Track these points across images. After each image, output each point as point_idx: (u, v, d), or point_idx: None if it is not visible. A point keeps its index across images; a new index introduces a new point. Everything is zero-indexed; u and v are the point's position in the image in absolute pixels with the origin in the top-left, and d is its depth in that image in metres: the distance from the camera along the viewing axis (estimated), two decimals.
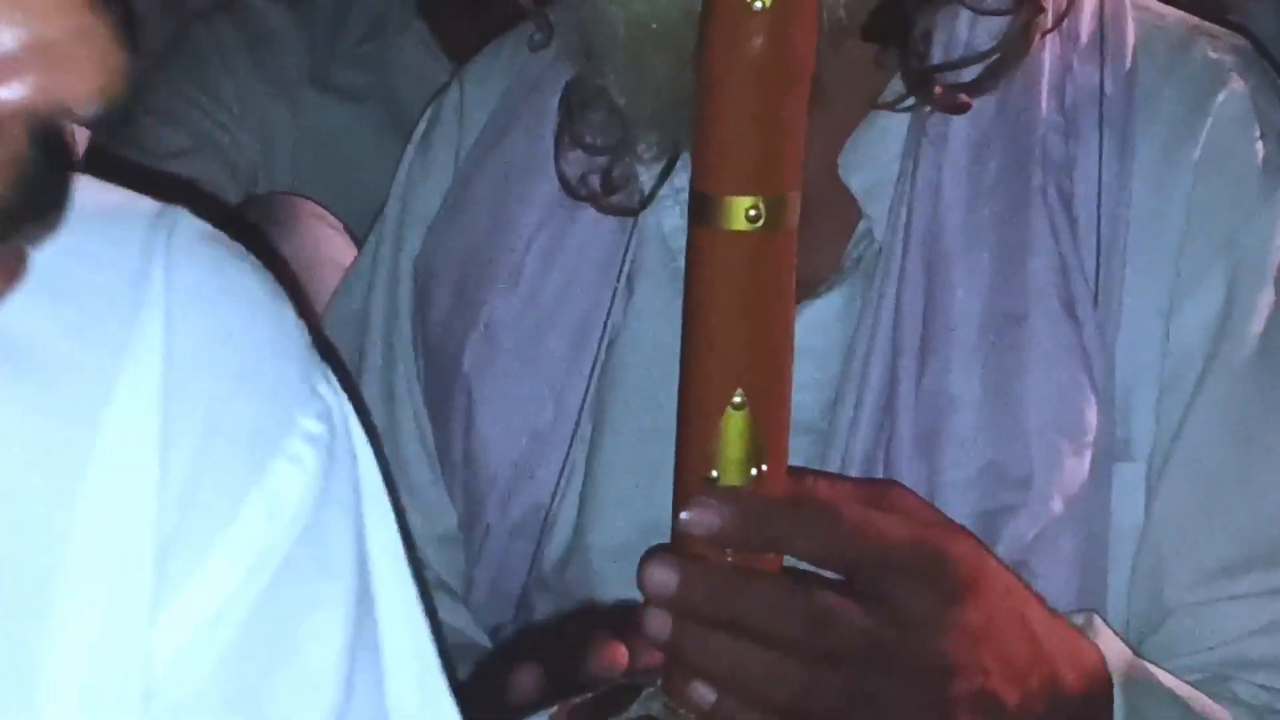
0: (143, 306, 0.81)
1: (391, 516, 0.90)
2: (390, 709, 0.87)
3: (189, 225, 0.85)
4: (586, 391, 1.44)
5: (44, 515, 0.79)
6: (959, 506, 1.28)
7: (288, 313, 0.87)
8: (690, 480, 1.12)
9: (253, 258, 0.88)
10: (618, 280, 1.44)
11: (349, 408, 0.88)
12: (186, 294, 0.83)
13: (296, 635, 0.83)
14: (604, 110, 1.40)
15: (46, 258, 0.73)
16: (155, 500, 0.79)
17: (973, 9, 1.38)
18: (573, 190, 1.43)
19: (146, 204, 0.85)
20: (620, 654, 1.23)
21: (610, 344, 1.44)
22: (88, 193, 0.80)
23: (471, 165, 1.53)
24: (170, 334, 0.81)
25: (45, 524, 0.79)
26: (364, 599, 0.86)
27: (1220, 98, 1.38)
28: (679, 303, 1.17)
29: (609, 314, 1.44)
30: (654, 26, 1.31)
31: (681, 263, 1.22)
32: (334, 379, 0.87)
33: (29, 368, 0.81)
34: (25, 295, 0.74)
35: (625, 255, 1.44)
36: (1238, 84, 1.39)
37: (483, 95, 1.55)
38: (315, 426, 0.83)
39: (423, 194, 1.55)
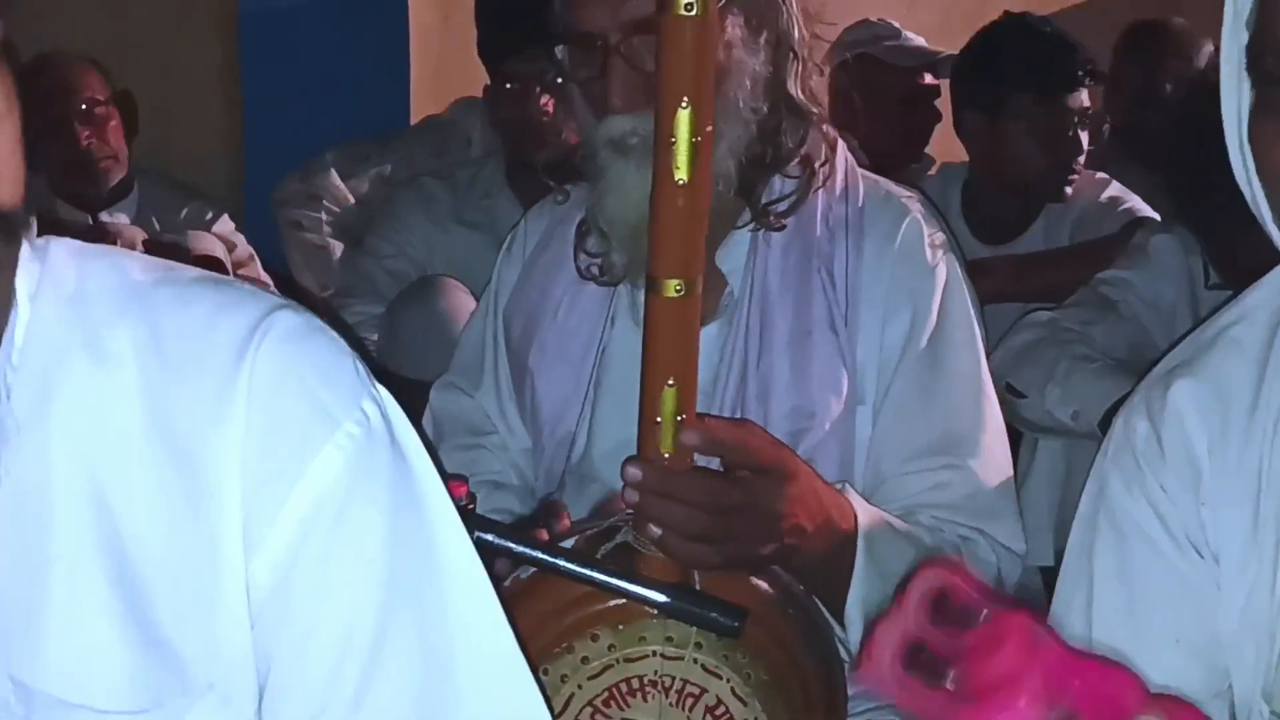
0: (251, 345, 0.75)
1: (431, 467, 0.82)
2: (438, 572, 0.80)
3: (295, 310, 0.79)
4: (591, 374, 1.43)
5: (193, 463, 0.74)
6: (779, 429, 1.28)
7: (346, 362, 0.79)
8: (647, 423, 1.14)
9: (331, 331, 0.81)
10: (606, 318, 1.43)
11: (394, 417, 0.81)
12: (279, 340, 0.76)
13: (345, 541, 0.76)
14: (597, 233, 1.39)
15: (209, 313, 0.77)
16: (240, 474, 0.73)
17: (783, 175, 1.38)
18: (582, 275, 1.43)
19: (276, 298, 0.81)
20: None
21: (603, 350, 1.43)
22: (243, 286, 0.82)
23: (530, 262, 1.51)
24: (263, 364, 0.75)
25: (187, 481, 0.74)
26: (401, 521, 0.78)
27: (906, 220, 1.39)
28: (639, 330, 1.19)
29: (602, 335, 1.43)
30: (624, 197, 1.31)
31: (639, 309, 1.23)
32: (383, 401, 0.80)
33: (189, 368, 0.75)
34: (188, 319, 0.76)
35: (610, 306, 1.44)
36: (916, 214, 1.40)
37: (536, 226, 1.54)
38: (355, 429, 0.76)
39: (507, 276, 1.53)
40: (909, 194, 1.43)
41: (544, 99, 2.30)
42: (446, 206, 2.41)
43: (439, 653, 0.78)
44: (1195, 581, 0.97)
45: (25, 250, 0.75)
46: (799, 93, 1.36)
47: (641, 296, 1.20)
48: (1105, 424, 1.85)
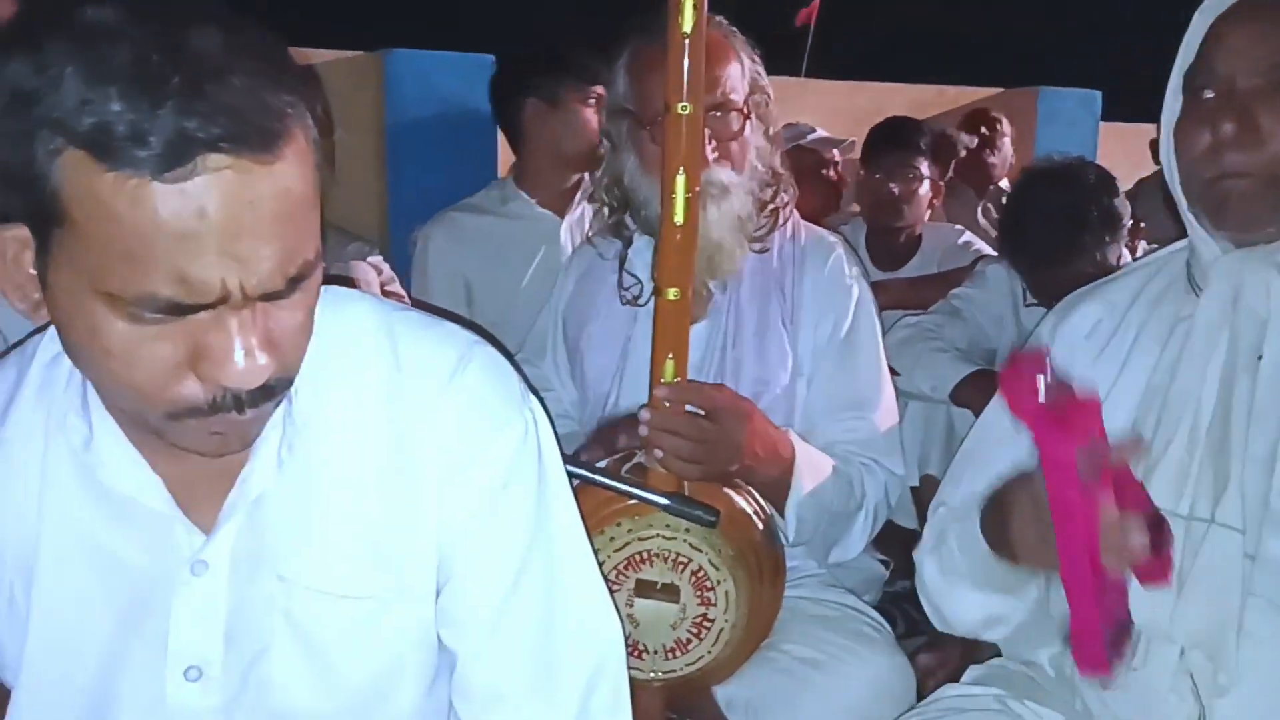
0: (459, 369, 0.73)
1: (560, 463, 0.79)
2: (555, 535, 0.77)
3: (484, 346, 0.77)
4: (621, 354, 1.36)
5: (410, 445, 0.72)
6: (746, 392, 1.24)
7: (514, 383, 0.76)
8: (655, 382, 1.11)
9: (505, 361, 0.77)
10: (632, 319, 1.36)
11: (543, 419, 0.78)
12: (476, 368, 0.74)
13: (506, 504, 0.74)
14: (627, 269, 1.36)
15: (433, 344, 0.73)
16: (441, 454, 0.72)
17: (757, 213, 1.30)
18: (622, 299, 1.36)
19: (473, 335, 0.77)
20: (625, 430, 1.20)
21: (629, 339, 1.36)
22: (452, 325, 0.77)
23: (580, 283, 1.44)
24: (465, 383, 0.73)
25: (409, 456, 0.71)
26: (541, 494, 0.76)
27: (833, 255, 1.35)
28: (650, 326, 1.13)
29: (628, 330, 1.36)
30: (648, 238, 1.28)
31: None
32: (535, 409, 0.77)
33: (416, 380, 0.72)
34: (419, 349, 0.72)
35: (634, 312, 1.36)
36: (839, 251, 1.35)
37: (580, 261, 1.47)
38: (518, 429, 0.74)
39: (563, 290, 1.47)
40: (834, 238, 1.39)
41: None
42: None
43: (556, 578, 0.77)
44: None
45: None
46: (777, 163, 1.34)
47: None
48: (953, 394, 1.90)
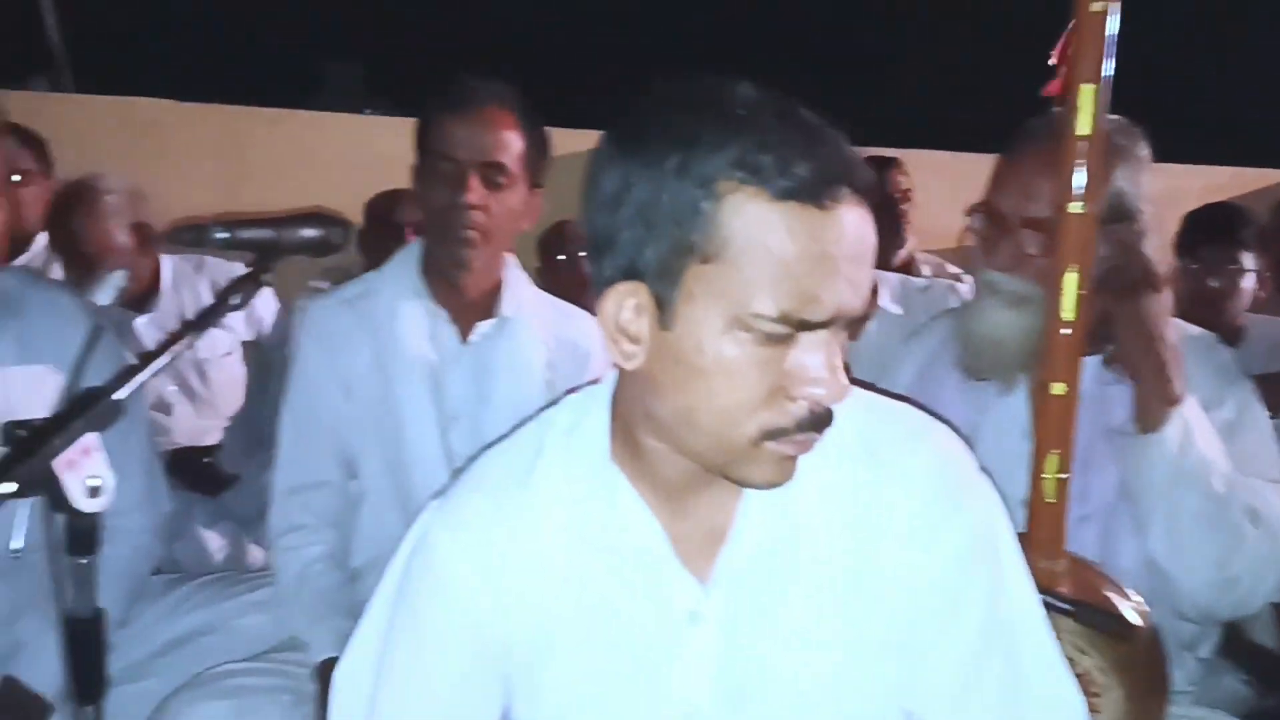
0: (927, 435, 0.76)
1: (1008, 520, 0.78)
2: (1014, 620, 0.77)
3: (946, 430, 0.78)
4: (971, 441, 1.26)
5: (878, 509, 0.74)
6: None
7: (972, 461, 0.78)
8: (1036, 477, 1.08)
9: (960, 440, 0.78)
10: (984, 407, 1.26)
11: (995, 491, 0.78)
12: (939, 447, 0.77)
13: (972, 570, 0.75)
14: (963, 341, 1.27)
15: (906, 428, 0.77)
16: (916, 517, 0.73)
17: None
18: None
19: (931, 418, 0.79)
20: None
21: (977, 426, 1.22)
22: (917, 411, 0.79)
23: (928, 366, 1.35)
24: (927, 461, 0.75)
25: (878, 515, 0.74)
26: (1000, 563, 0.76)
27: (1220, 353, 1.29)
28: (1006, 411, 1.17)
29: (978, 417, 1.25)
30: (987, 322, 1.22)
31: (1005, 398, 1.19)
32: (988, 485, 0.78)
33: (869, 447, 0.74)
34: (890, 431, 0.75)
35: (988, 401, 1.26)
36: (1227, 354, 1.29)
37: (925, 340, 1.41)
38: (981, 496, 0.76)
39: (903, 373, 1.37)
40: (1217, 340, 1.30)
41: None
42: None
43: (1019, 648, 0.77)
44: None
45: None
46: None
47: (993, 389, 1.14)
48: None
